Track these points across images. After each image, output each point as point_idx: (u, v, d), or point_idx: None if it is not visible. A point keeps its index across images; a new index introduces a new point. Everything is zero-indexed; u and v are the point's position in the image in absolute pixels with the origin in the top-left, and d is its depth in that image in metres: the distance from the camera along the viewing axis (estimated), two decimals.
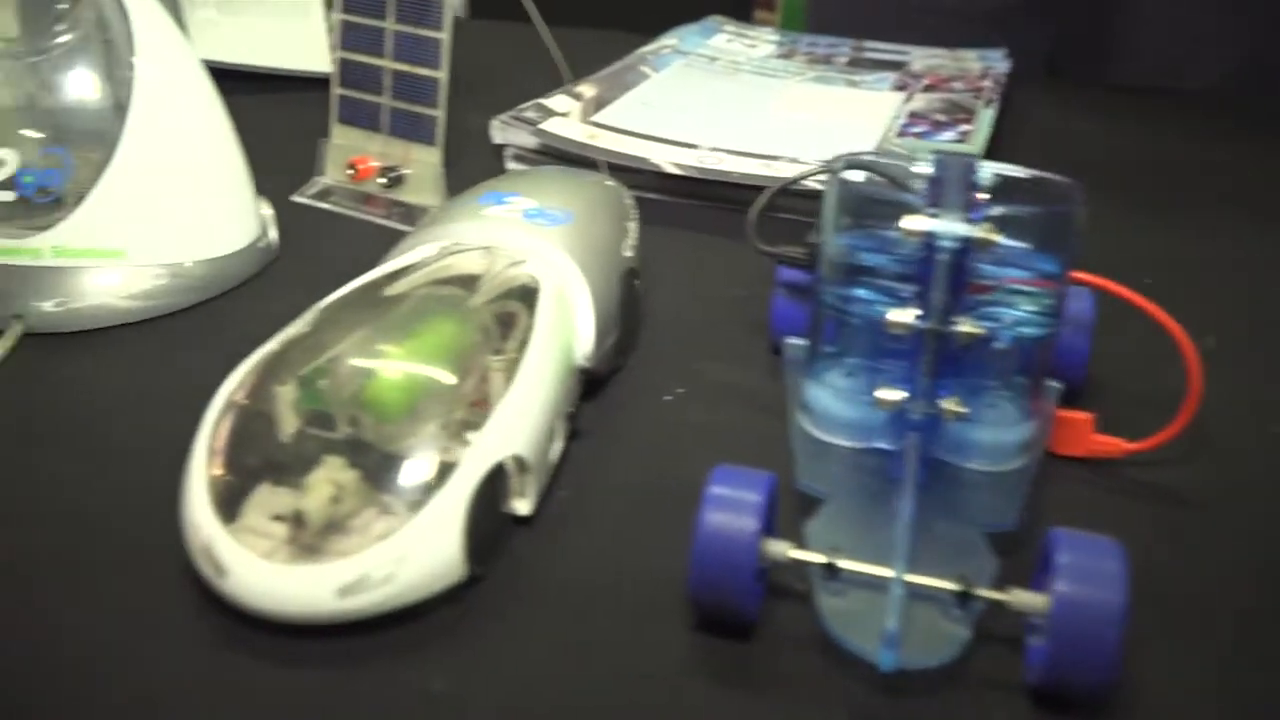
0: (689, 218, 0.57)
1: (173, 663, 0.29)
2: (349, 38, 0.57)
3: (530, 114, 0.62)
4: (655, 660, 0.29)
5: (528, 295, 0.37)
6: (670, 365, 0.43)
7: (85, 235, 0.44)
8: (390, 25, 0.55)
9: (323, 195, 0.58)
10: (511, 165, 0.62)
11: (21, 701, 0.27)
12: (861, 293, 0.34)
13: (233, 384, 0.33)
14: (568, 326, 0.37)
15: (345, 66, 0.58)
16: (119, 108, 0.45)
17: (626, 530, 0.34)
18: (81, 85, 0.45)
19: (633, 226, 0.44)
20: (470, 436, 0.32)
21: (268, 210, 0.52)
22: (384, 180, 0.57)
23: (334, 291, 0.44)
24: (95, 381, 0.42)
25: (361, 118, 0.58)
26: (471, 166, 0.59)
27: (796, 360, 0.40)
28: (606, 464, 0.37)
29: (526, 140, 0.61)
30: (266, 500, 0.31)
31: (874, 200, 0.33)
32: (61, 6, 0.46)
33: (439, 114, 0.55)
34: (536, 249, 0.39)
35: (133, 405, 0.40)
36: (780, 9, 2.08)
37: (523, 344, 0.36)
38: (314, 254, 0.53)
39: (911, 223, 0.31)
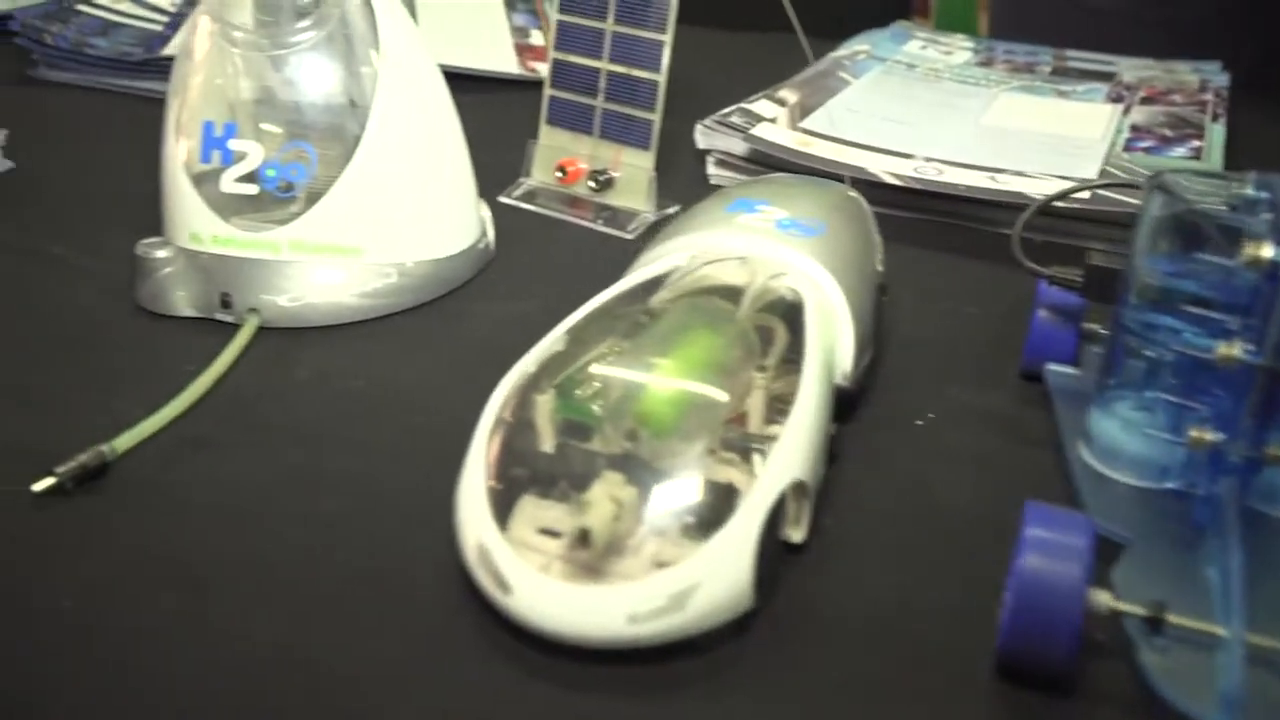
0: (906, 230, 0.55)
1: (443, 681, 0.28)
2: (565, 39, 0.56)
3: (736, 119, 0.61)
4: (960, 707, 0.27)
5: (789, 310, 0.35)
6: (917, 387, 0.41)
7: (323, 231, 0.44)
8: (610, 26, 0.55)
9: (529, 196, 0.58)
10: (715, 171, 0.61)
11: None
12: (1170, 321, 0.31)
13: (500, 398, 0.32)
14: (830, 344, 0.36)
15: (559, 68, 0.57)
16: (354, 104, 0.45)
17: (900, 560, 0.32)
18: (322, 80, 0.45)
19: (879, 239, 0.42)
20: (744, 458, 0.30)
21: (486, 212, 0.52)
22: (593, 184, 0.56)
23: (556, 294, 0.44)
24: (332, 379, 0.41)
25: (572, 120, 0.57)
26: (673, 171, 0.58)
27: (1064, 388, 0.38)
28: (868, 490, 0.35)
29: (734, 146, 0.59)
30: (534, 513, 0.30)
31: (1197, 223, 0.31)
32: (304, 1, 0.45)
33: (655, 118, 0.54)
34: (795, 261, 0.37)
35: (370, 404, 0.40)
36: (934, 14, 2.04)
37: (782, 359, 0.34)
38: (527, 256, 0.52)
39: (1258, 250, 0.29)
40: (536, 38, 0.88)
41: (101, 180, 0.60)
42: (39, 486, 0.33)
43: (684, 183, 0.60)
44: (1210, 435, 0.30)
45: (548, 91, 0.57)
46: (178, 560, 0.32)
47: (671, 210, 0.56)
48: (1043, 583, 0.26)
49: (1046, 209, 0.43)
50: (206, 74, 0.45)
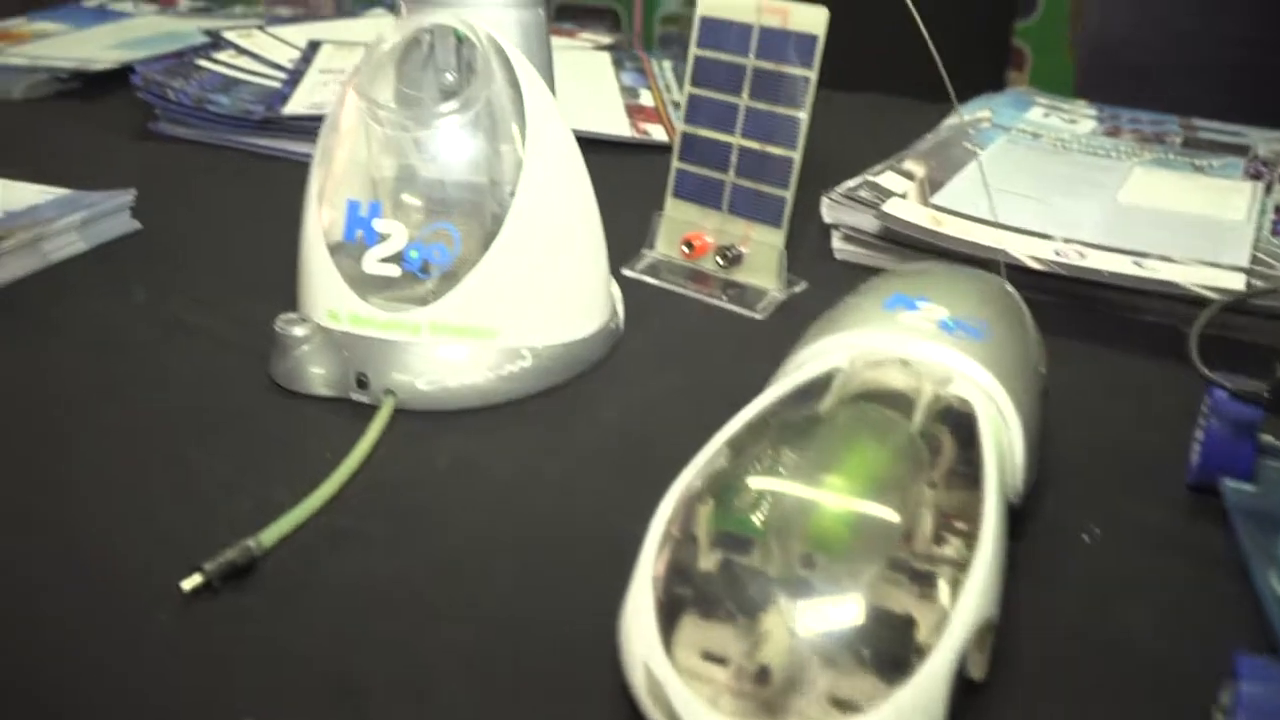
0: (1050, 316, 0.52)
1: None
2: (696, 112, 0.55)
3: (864, 194, 0.59)
4: None
5: (958, 420, 0.34)
6: (1081, 498, 0.39)
7: (462, 313, 0.43)
8: (744, 101, 0.54)
9: (653, 270, 0.57)
10: (841, 245, 0.60)
11: None
12: None
13: (666, 512, 0.31)
14: (1003, 460, 0.34)
15: (687, 141, 0.56)
16: (498, 184, 0.45)
17: (1082, 702, 0.30)
18: (467, 160, 0.45)
19: (1039, 339, 0.41)
20: (938, 585, 0.29)
21: (616, 290, 0.51)
22: (721, 260, 0.55)
23: (688, 377, 0.43)
24: (473, 468, 0.41)
25: (700, 194, 0.56)
26: (796, 243, 0.56)
27: (1245, 507, 0.35)
28: (1039, 616, 0.34)
29: (863, 222, 0.58)
30: (696, 635, 0.29)
31: None
32: (450, 77, 0.45)
33: (788, 195, 0.53)
34: (962, 367, 0.35)
35: (516, 496, 0.39)
36: (1028, 70, 2.01)
37: (951, 474, 0.33)
38: (655, 335, 0.51)
39: None
40: (646, 98, 0.87)
41: (231, 244, 0.60)
42: (188, 585, 0.33)
43: (809, 256, 0.59)
44: None
45: (675, 164, 0.57)
46: (335, 667, 0.31)
47: (798, 288, 0.55)
48: None
49: (1203, 301, 0.41)
50: (351, 149, 0.45)
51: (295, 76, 0.82)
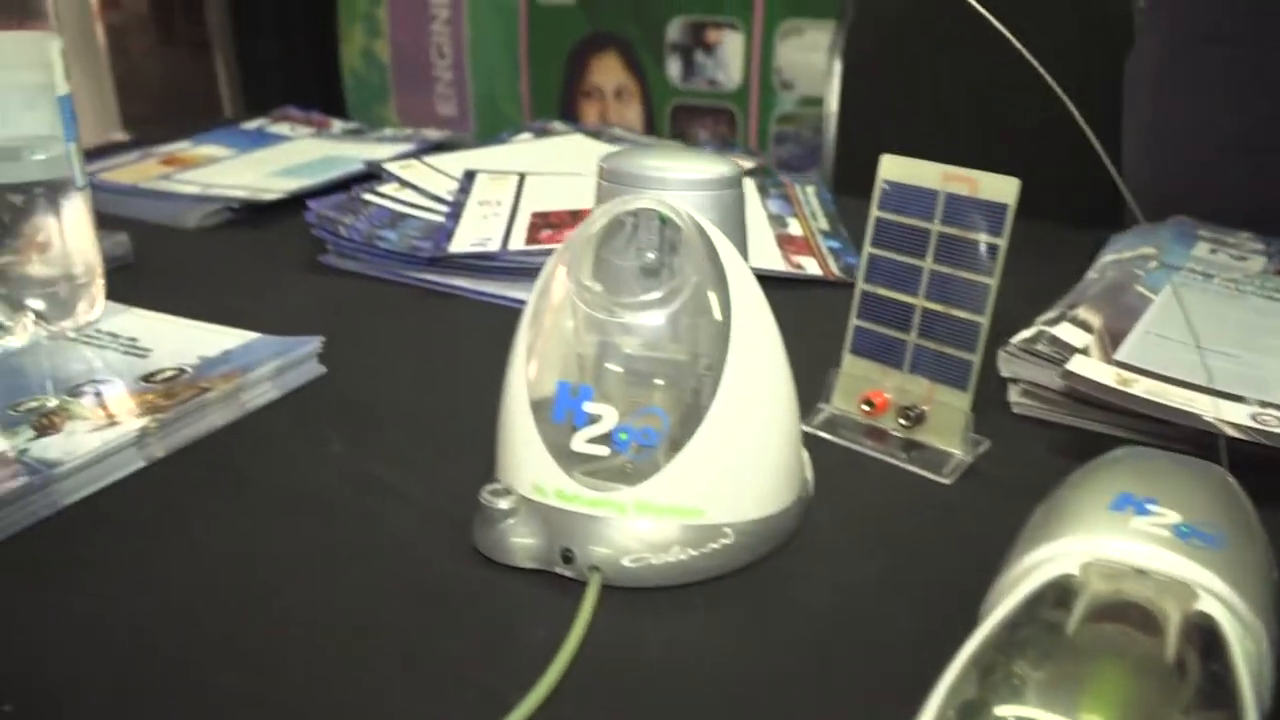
0: (1253, 490, 0.51)
1: None
2: (875, 272, 0.56)
3: (1044, 348, 0.59)
4: None
5: (1206, 641, 0.33)
6: None
7: (669, 493, 0.44)
8: (928, 264, 0.54)
9: (830, 425, 0.57)
10: (1020, 399, 0.59)
11: None
12: None
13: None
14: (1259, 683, 0.33)
15: (866, 299, 0.56)
16: (695, 355, 0.46)
17: None
18: (674, 343, 0.46)
19: (1266, 538, 0.39)
20: None
21: (806, 456, 0.51)
22: (904, 420, 0.55)
23: (886, 548, 0.42)
24: (686, 651, 0.41)
25: (880, 352, 0.56)
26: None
27: None
28: None
29: (1044, 378, 0.58)
30: None
31: None
32: (650, 256, 0.46)
33: (975, 359, 0.53)
34: (1203, 580, 0.34)
35: (721, 676, 0.39)
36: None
37: (1201, 697, 0.32)
38: (843, 500, 0.51)
39: None
40: (794, 227, 0.88)
41: (416, 392, 0.62)
42: None
43: (983, 407, 0.58)
44: None
45: (853, 321, 0.57)
46: None
47: (982, 448, 0.55)
48: None
49: None
50: (557, 324, 0.46)
51: (456, 210, 0.85)
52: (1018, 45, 0.51)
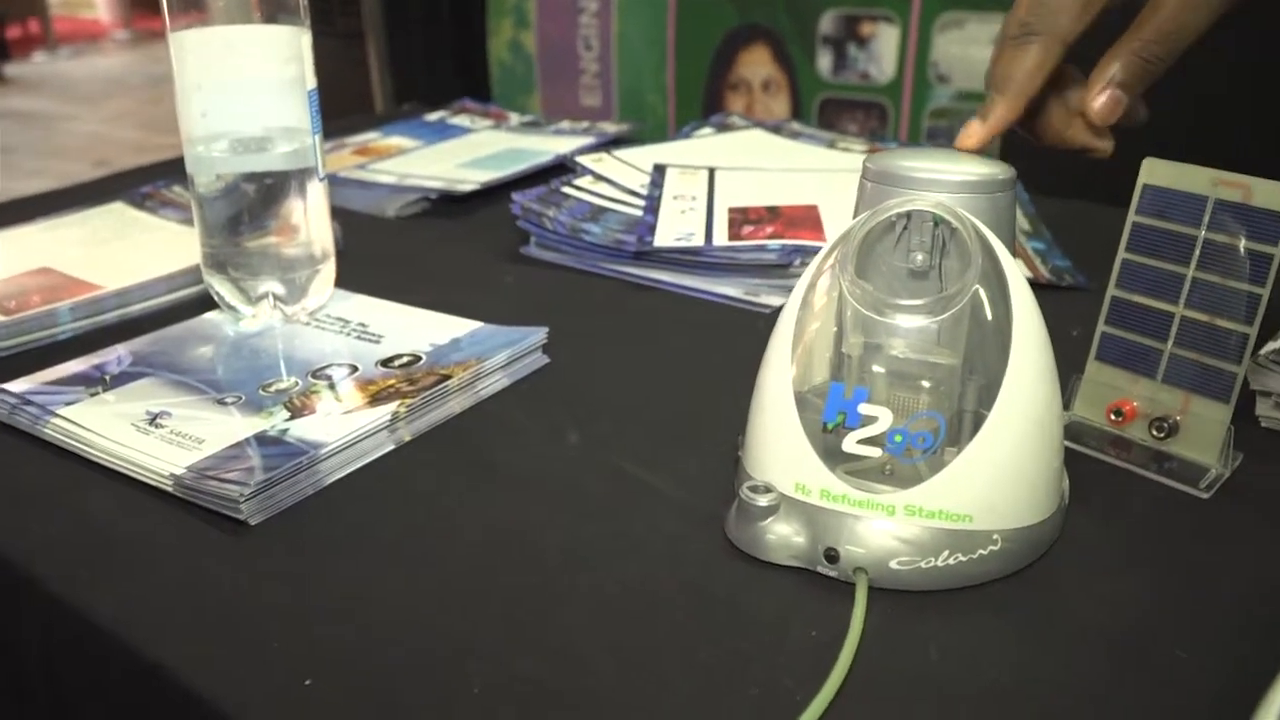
0: None
1: None
2: (1131, 278, 0.54)
3: None
4: None
5: None
6: None
7: (939, 498, 0.43)
8: (1191, 272, 0.52)
9: (1074, 434, 0.56)
10: (1269, 413, 0.57)
11: None
12: None
13: None
14: None
15: (1117, 305, 0.55)
16: (967, 363, 0.45)
17: None
18: (937, 342, 0.45)
19: None
20: None
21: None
22: (1157, 432, 0.53)
23: (1155, 561, 0.41)
24: (964, 661, 0.40)
25: (1129, 359, 0.55)
26: None
27: None
28: None
29: None
30: None
31: None
32: (919, 258, 0.46)
33: (1240, 370, 0.51)
34: None
35: (1005, 688, 0.39)
36: None
37: None
38: (1099, 510, 0.50)
39: None
40: None
41: (641, 383, 0.62)
42: None
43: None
44: None
45: (1102, 328, 0.55)
46: None
47: (1237, 462, 0.53)
48: None
49: None
50: (823, 325, 0.46)
51: (653, 204, 0.86)
52: None
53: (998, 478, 0.44)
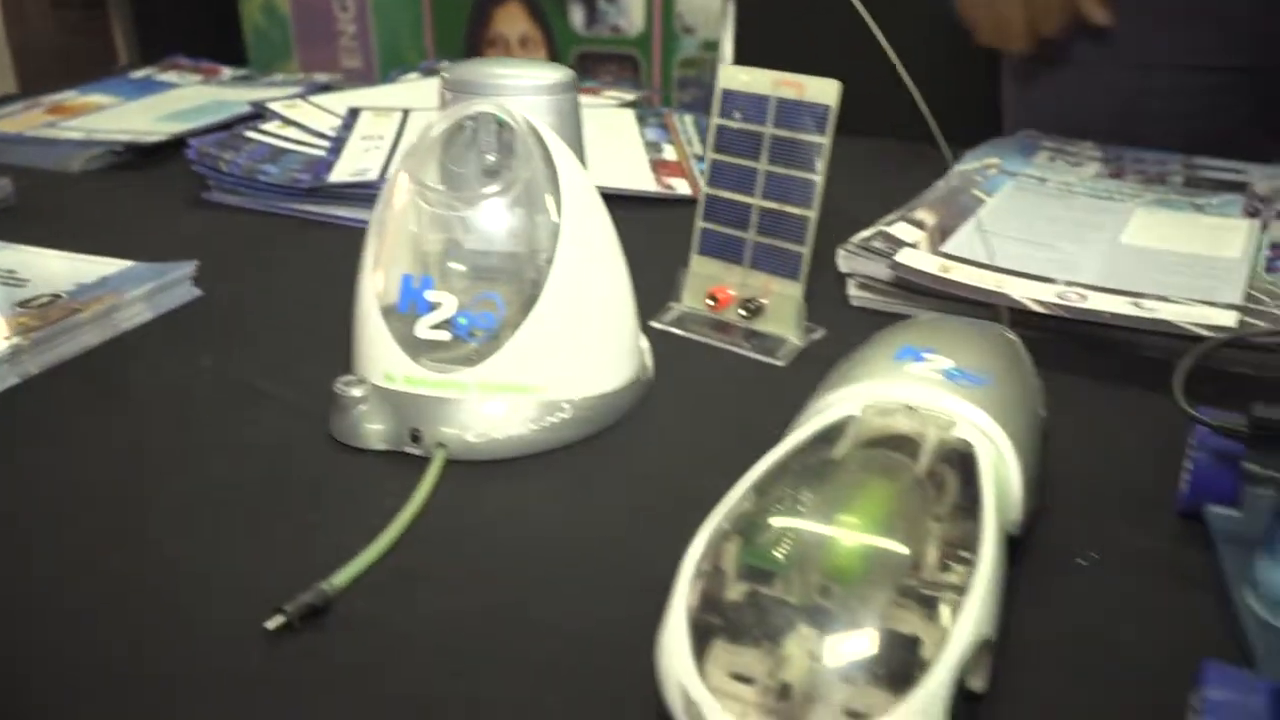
0: (1052, 355, 0.56)
1: None
2: (718, 176, 0.60)
3: (878, 244, 0.63)
4: None
5: (961, 460, 0.37)
6: (1077, 525, 0.43)
7: (506, 372, 0.47)
8: (763, 166, 0.58)
9: (680, 322, 0.61)
10: (857, 293, 0.63)
11: None
12: None
13: (698, 550, 0.35)
14: (1002, 494, 0.37)
15: (710, 201, 0.60)
16: (538, 254, 0.49)
17: (1085, 706, 0.34)
18: (509, 234, 0.49)
19: (1039, 383, 0.44)
20: (939, 609, 0.32)
21: (645, 343, 0.55)
22: (744, 311, 0.59)
23: (716, 422, 0.46)
24: (522, 513, 0.45)
25: (723, 250, 0.60)
26: (813, 291, 0.60)
27: (1226, 531, 0.39)
28: (1039, 636, 0.37)
29: (877, 271, 0.62)
30: (726, 658, 0.32)
31: None
32: (490, 158, 0.50)
33: (805, 251, 0.57)
34: (965, 412, 0.39)
35: (562, 539, 0.43)
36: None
37: (956, 508, 0.36)
38: (684, 383, 0.55)
39: None
40: (669, 152, 0.92)
41: (287, 309, 0.64)
42: (271, 625, 0.37)
43: (826, 303, 0.62)
44: None
45: (699, 224, 0.61)
46: (406, 689, 0.35)
47: (817, 335, 0.59)
48: None
49: (1199, 337, 0.44)
50: (402, 226, 0.49)
51: (338, 144, 0.87)
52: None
53: (558, 350, 0.48)
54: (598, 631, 0.37)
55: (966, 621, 0.32)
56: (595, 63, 2.25)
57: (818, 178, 0.56)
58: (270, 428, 0.51)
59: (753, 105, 0.58)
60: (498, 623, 0.38)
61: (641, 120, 0.99)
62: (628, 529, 0.43)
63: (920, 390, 0.40)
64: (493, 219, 0.49)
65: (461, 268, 0.49)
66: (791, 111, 0.56)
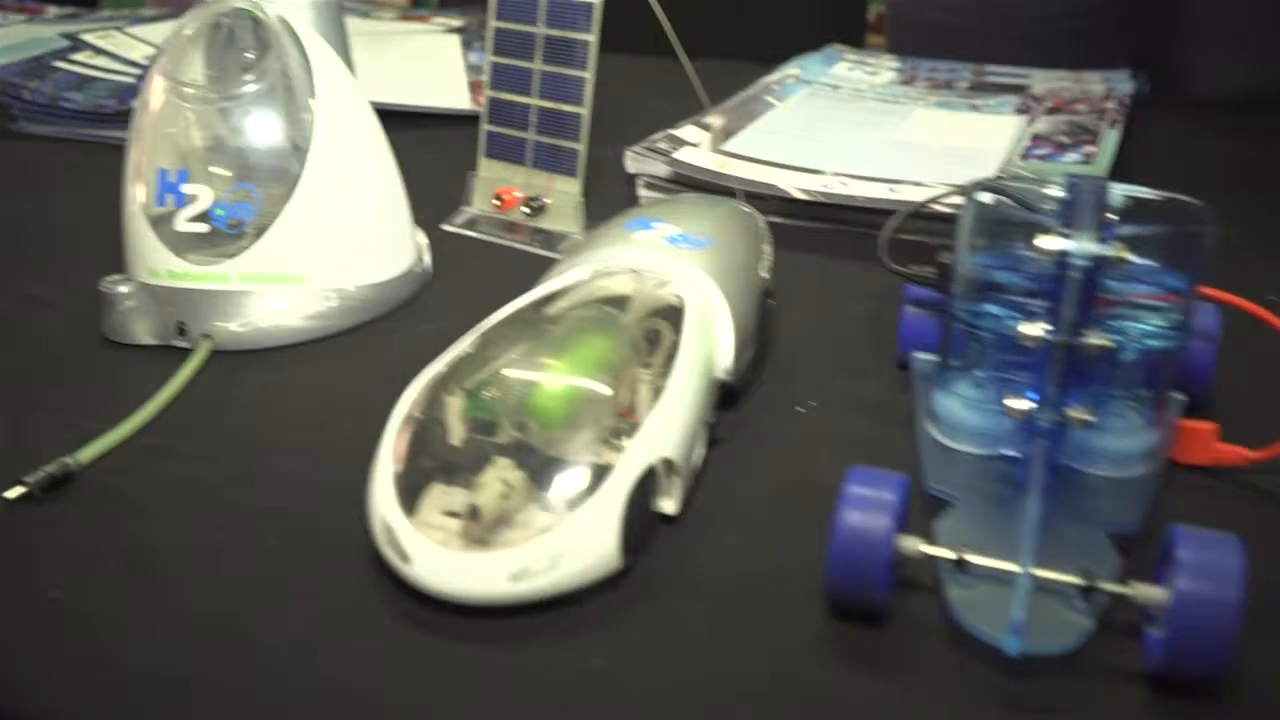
0: (816, 240, 0.59)
1: (360, 641, 0.32)
2: (499, 78, 0.61)
3: (662, 145, 0.66)
4: (793, 642, 0.32)
5: (673, 314, 0.40)
6: (802, 379, 0.46)
7: (268, 262, 0.48)
8: (537, 66, 0.59)
9: (471, 224, 0.63)
10: (644, 193, 0.66)
11: (215, 685, 0.31)
12: (992, 308, 0.36)
13: (410, 397, 0.37)
14: (710, 342, 0.40)
15: (494, 105, 0.62)
16: (297, 147, 0.50)
17: (765, 529, 0.37)
18: (265, 127, 0.50)
19: (767, 249, 0.47)
20: (624, 442, 0.35)
21: (422, 239, 0.56)
22: (527, 210, 0.61)
23: (488, 311, 0.48)
24: (276, 395, 0.46)
25: (508, 152, 0.62)
26: (606, 195, 0.62)
27: (925, 373, 0.42)
28: (744, 469, 0.40)
29: (659, 170, 0.64)
30: (440, 498, 0.35)
31: (1007, 221, 0.35)
32: (249, 56, 0.50)
33: (580, 148, 0.59)
34: (681, 271, 0.42)
35: (308, 416, 0.45)
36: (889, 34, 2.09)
37: (669, 358, 0.39)
38: (464, 278, 0.57)
39: (1046, 242, 0.33)
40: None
41: (74, 223, 0.64)
42: (11, 494, 0.38)
43: (615, 204, 0.64)
44: (1024, 404, 0.35)
45: (485, 127, 0.62)
46: (135, 552, 0.36)
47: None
48: (856, 531, 0.31)
49: (919, 213, 0.48)
50: (161, 125, 0.50)
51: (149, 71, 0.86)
52: None
53: (320, 239, 0.49)
54: (325, 490, 0.39)
55: (642, 441, 0.34)
56: None
57: (588, 75, 0.58)
58: (41, 328, 0.51)
59: (526, 6, 0.59)
60: (229, 483, 0.40)
61: (467, 45, 1.00)
62: (375, 403, 0.45)
63: (642, 253, 0.42)
64: (253, 114, 0.49)
65: (225, 171, 0.50)
66: (562, 11, 0.58)
